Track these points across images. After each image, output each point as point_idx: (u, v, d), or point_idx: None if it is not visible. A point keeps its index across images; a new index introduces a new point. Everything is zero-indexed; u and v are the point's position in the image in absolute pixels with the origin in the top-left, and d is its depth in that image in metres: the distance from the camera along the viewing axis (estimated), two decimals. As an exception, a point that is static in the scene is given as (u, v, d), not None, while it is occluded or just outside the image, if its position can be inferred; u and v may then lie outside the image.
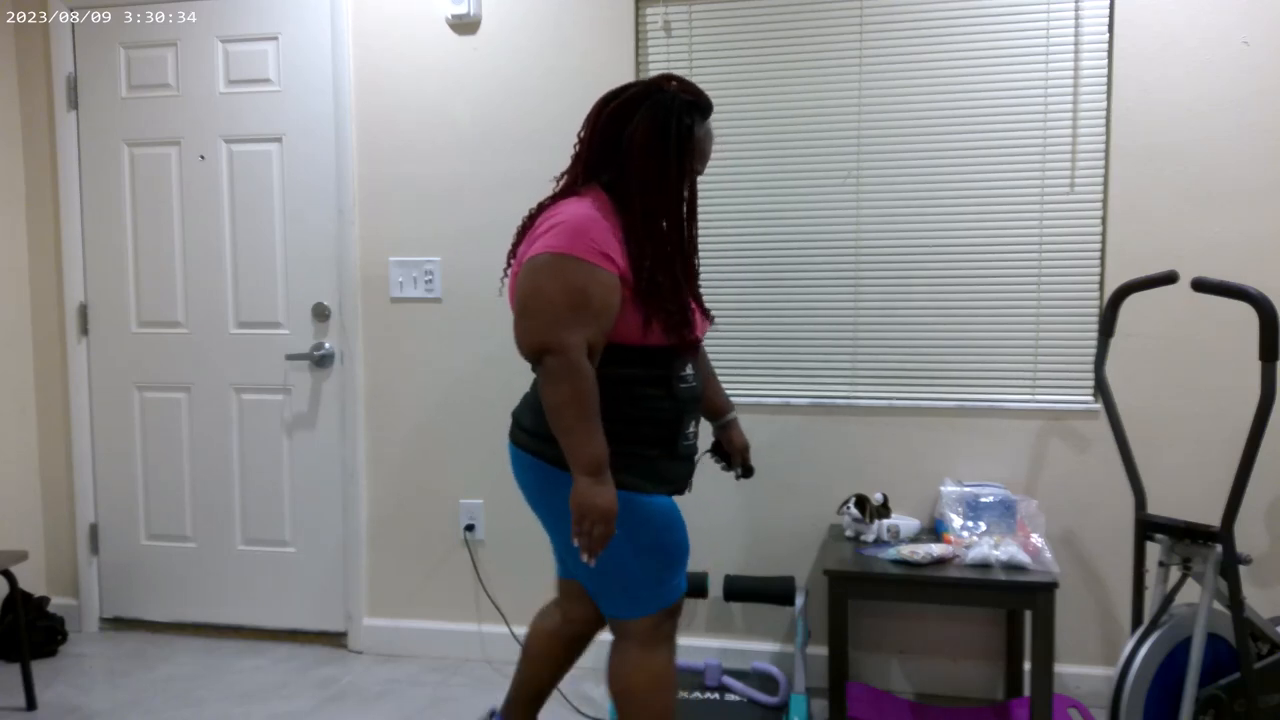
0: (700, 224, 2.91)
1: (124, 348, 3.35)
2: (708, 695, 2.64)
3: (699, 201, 2.87)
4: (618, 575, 1.85)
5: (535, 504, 1.91)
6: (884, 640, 2.88)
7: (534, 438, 1.85)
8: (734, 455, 2.18)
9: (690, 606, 3.01)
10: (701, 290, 2.73)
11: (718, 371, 2.95)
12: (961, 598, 2.32)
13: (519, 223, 2.99)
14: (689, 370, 1.89)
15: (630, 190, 1.78)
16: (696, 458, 2.11)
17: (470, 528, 3.12)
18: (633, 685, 1.86)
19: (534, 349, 1.70)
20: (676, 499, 2.83)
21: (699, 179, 2.86)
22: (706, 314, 1.98)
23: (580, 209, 1.75)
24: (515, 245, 1.90)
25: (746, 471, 2.18)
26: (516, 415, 1.94)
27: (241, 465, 3.30)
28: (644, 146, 1.77)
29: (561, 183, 1.89)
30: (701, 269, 2.92)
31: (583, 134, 1.87)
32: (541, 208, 1.85)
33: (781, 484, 2.90)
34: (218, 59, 3.20)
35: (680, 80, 1.83)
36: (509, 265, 1.92)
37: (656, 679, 1.87)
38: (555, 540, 1.95)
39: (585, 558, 1.71)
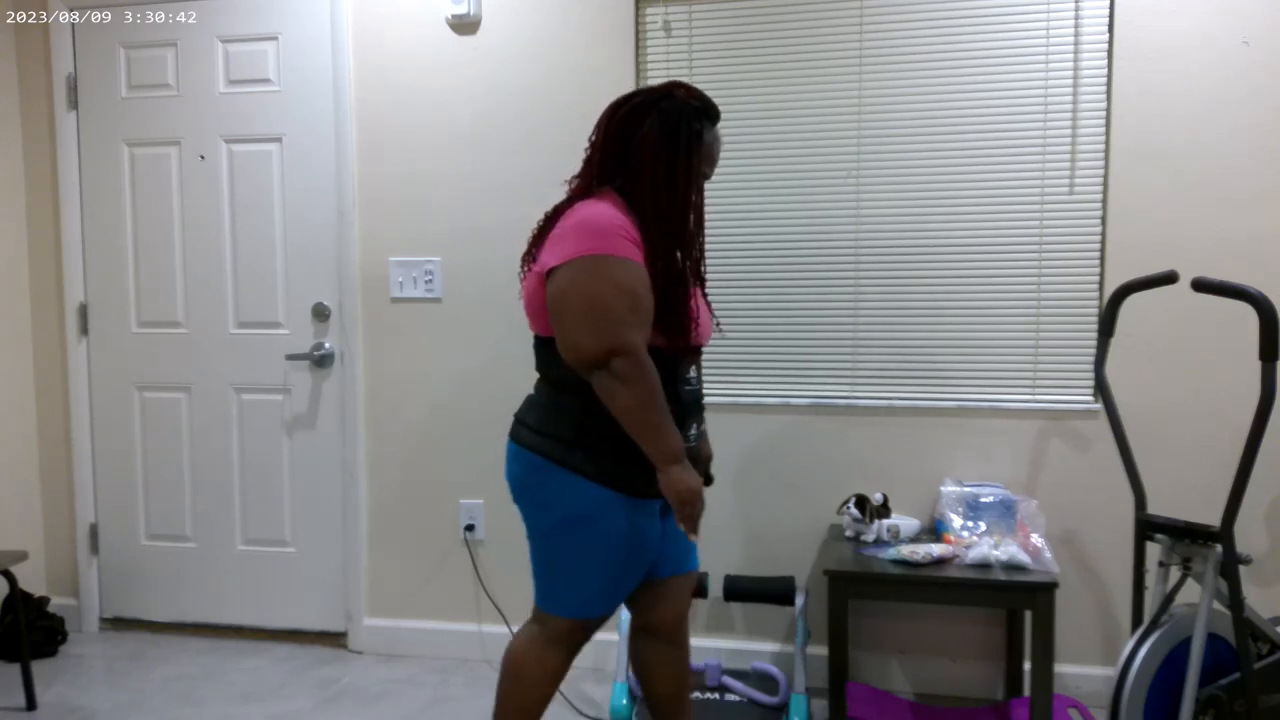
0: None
1: (124, 348, 3.35)
2: (708, 695, 2.65)
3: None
4: (567, 569, 1.85)
5: (528, 502, 1.88)
6: (884, 640, 2.88)
7: (539, 436, 1.85)
8: (698, 464, 2.18)
9: (691, 606, 3.00)
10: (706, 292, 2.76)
11: (719, 370, 2.94)
12: (961, 598, 2.32)
13: (519, 223, 3.02)
14: (692, 373, 1.93)
15: (641, 194, 1.81)
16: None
17: (470, 528, 3.12)
18: (522, 670, 1.93)
19: (601, 353, 1.71)
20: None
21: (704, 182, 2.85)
22: (715, 319, 1.98)
23: (601, 208, 1.77)
24: (531, 247, 1.91)
25: (707, 480, 2.18)
26: (520, 415, 1.94)
27: (241, 465, 3.30)
28: (654, 151, 1.81)
29: (573, 186, 1.92)
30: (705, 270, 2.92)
31: (594, 139, 1.91)
32: (558, 210, 1.88)
33: (781, 484, 2.90)
34: (218, 59, 3.20)
35: (687, 87, 1.88)
36: (524, 267, 1.93)
37: (548, 674, 1.93)
38: (533, 530, 1.89)
39: (693, 538, 1.81)
